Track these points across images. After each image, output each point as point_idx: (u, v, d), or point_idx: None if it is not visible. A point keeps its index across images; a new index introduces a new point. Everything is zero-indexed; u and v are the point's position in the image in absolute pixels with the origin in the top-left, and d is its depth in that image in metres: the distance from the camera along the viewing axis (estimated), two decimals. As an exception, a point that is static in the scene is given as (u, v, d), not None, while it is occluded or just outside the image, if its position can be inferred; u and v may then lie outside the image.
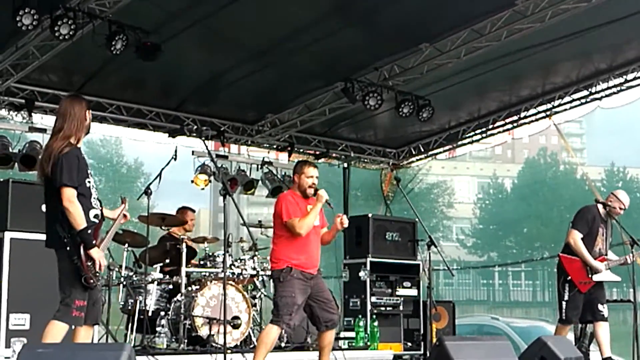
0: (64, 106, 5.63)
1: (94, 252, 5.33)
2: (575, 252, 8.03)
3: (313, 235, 6.97)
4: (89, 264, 5.32)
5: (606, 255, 8.18)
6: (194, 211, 10.01)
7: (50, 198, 5.42)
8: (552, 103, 11.12)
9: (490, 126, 11.95)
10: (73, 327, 5.43)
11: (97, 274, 5.41)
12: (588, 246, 8.06)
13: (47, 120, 10.15)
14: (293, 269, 6.78)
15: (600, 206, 8.21)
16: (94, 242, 5.35)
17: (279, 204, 6.97)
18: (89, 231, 5.32)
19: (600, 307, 8.07)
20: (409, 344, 10.27)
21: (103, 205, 5.68)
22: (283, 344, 8.88)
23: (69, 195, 5.27)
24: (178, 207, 9.93)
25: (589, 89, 10.71)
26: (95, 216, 5.51)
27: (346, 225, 6.97)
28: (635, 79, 10.36)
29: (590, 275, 7.99)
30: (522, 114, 11.49)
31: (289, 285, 6.74)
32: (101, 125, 10.72)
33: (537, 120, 11.58)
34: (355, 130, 12.28)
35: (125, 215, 6.04)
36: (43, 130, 9.89)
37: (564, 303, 8.04)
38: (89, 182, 5.50)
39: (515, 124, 11.86)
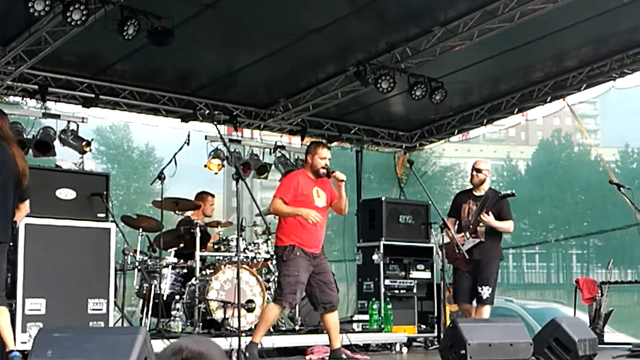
0: None
1: None
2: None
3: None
4: None
5: (473, 224, 8.17)
6: (213, 196, 10.04)
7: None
8: (566, 84, 11.03)
9: (503, 108, 11.87)
10: None
11: None
12: (458, 226, 8.29)
13: (60, 106, 10.20)
14: (296, 248, 6.88)
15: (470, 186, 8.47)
16: None
17: (282, 180, 7.18)
18: None
19: (479, 288, 8.08)
20: (423, 326, 10.29)
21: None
22: (297, 327, 8.94)
23: None
24: (192, 191, 9.96)
25: (603, 69, 10.60)
26: None
27: (342, 178, 7.06)
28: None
29: (458, 250, 7.97)
30: (535, 95, 11.41)
31: (293, 264, 6.86)
32: (114, 112, 10.77)
33: (550, 101, 11.51)
34: (368, 114, 12.24)
35: None
36: (57, 116, 9.94)
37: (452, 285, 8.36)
38: None
39: (528, 106, 11.79)
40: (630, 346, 8.56)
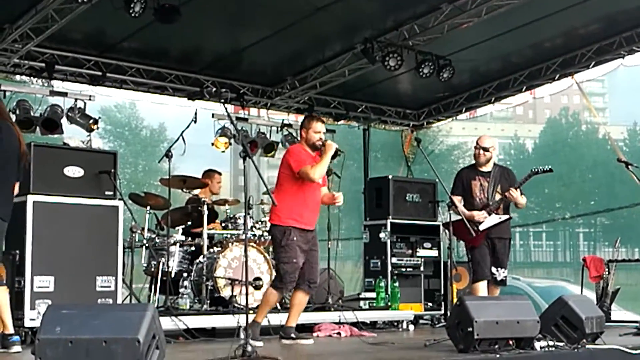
0: None
1: None
2: (458, 214, 8.00)
3: (315, 191, 7.09)
4: None
5: (499, 201, 8.03)
6: (220, 174, 10.05)
7: None
8: (574, 62, 10.97)
9: (511, 86, 11.83)
10: None
11: None
12: (469, 203, 8.07)
13: (67, 84, 10.20)
14: (293, 231, 6.89)
15: (474, 162, 8.30)
16: None
17: (288, 157, 7.08)
18: None
19: (493, 269, 7.98)
20: (430, 304, 10.32)
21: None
22: (304, 305, 8.96)
23: None
24: (199, 169, 9.97)
25: (611, 47, 10.54)
26: None
27: (338, 204, 7.30)
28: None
29: (476, 228, 7.87)
30: (543, 73, 11.36)
31: (290, 249, 6.89)
32: (121, 90, 10.76)
33: (558, 79, 11.45)
34: (375, 92, 12.21)
35: None
36: (64, 94, 9.93)
37: (470, 264, 8.14)
38: None
39: (536, 84, 11.74)
40: (637, 324, 8.56)
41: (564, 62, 11.06)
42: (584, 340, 6.46)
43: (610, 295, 9.76)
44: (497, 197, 8.06)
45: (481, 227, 7.90)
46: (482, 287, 7.92)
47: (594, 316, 6.75)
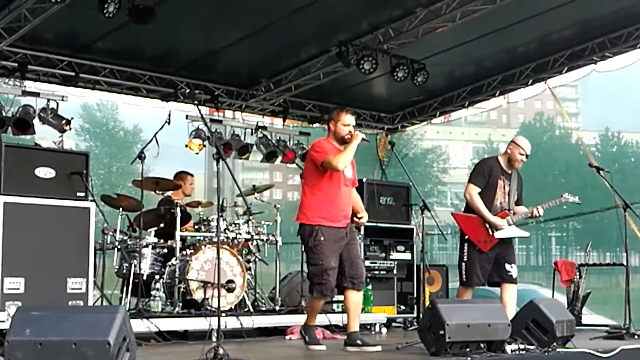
0: None
1: None
2: (472, 209, 7.61)
3: (344, 188, 6.77)
4: None
5: (509, 209, 7.69)
6: (192, 175, 10.02)
7: None
8: (547, 67, 11.05)
9: (485, 90, 11.89)
10: None
11: None
12: (487, 201, 7.60)
13: (40, 85, 10.12)
14: (320, 231, 6.59)
15: (501, 159, 7.74)
16: None
17: (312, 151, 6.78)
18: None
19: (507, 267, 7.62)
20: (403, 307, 10.33)
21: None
22: (277, 307, 8.95)
23: None
24: (174, 171, 9.94)
25: (584, 52, 10.62)
26: None
27: (363, 223, 7.01)
28: (634, 39, 10.17)
29: (491, 233, 7.55)
30: (517, 78, 11.43)
31: (317, 250, 6.60)
32: (95, 91, 10.69)
33: (532, 84, 11.53)
34: (350, 95, 12.22)
35: None
36: (36, 94, 9.87)
37: (463, 264, 7.62)
38: None
39: (510, 88, 11.81)
40: (608, 328, 8.65)
41: (537, 67, 11.14)
42: (555, 344, 6.49)
43: (581, 299, 9.84)
44: (523, 210, 7.74)
45: (497, 235, 7.56)
46: (468, 294, 7.65)
47: (565, 320, 6.79)
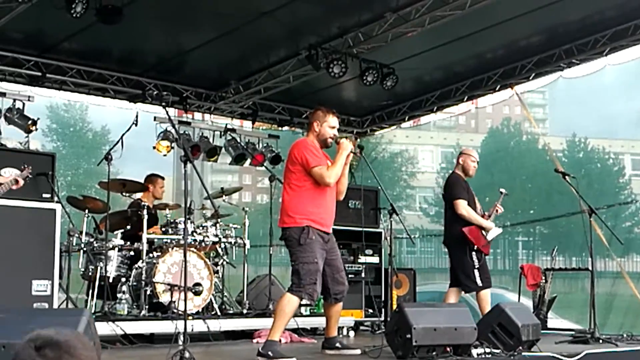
0: None
1: None
2: (470, 221, 8.22)
3: (330, 190, 6.45)
4: None
5: (484, 214, 8.51)
6: (163, 178, 9.98)
7: None
8: (515, 73, 11.13)
9: (454, 95, 11.96)
10: None
11: None
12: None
13: (6, 85, 10.01)
14: (311, 230, 6.18)
15: (458, 172, 8.50)
16: None
17: (299, 150, 6.34)
18: None
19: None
20: (370, 310, 10.34)
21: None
22: (245, 311, 8.92)
23: None
24: (142, 173, 9.87)
25: (551, 59, 10.71)
26: None
27: (349, 148, 6.58)
28: (600, 46, 10.26)
29: (486, 236, 8.25)
30: (485, 84, 11.50)
31: (310, 249, 6.16)
32: (61, 91, 10.59)
33: (499, 90, 11.61)
34: (320, 98, 12.21)
35: (17, 181, 6.45)
36: (2, 95, 9.76)
37: (476, 271, 8.15)
38: None
39: (478, 94, 11.88)
40: (573, 332, 8.73)
41: (504, 73, 11.22)
42: (520, 348, 6.54)
43: (547, 303, 9.92)
44: (497, 211, 8.54)
45: (489, 237, 8.27)
46: (455, 297, 8.37)
47: (531, 324, 6.85)
